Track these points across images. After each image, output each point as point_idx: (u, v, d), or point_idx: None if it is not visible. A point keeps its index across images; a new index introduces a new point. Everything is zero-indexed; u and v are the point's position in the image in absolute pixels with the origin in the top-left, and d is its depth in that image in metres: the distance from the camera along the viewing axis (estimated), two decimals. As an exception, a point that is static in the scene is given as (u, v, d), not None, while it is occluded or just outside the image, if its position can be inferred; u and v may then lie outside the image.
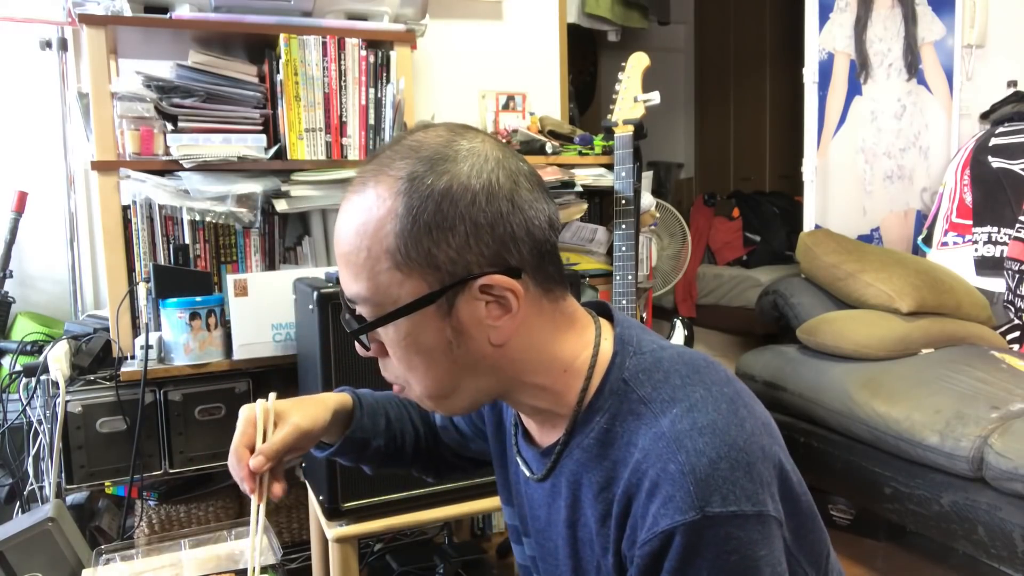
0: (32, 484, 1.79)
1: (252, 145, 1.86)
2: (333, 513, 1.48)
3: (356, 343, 0.75)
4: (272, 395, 0.88)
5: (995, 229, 2.79)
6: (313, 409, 0.88)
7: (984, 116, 3.11)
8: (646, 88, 2.10)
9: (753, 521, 0.62)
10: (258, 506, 0.82)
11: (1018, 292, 2.63)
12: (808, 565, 0.71)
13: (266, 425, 0.84)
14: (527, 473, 0.82)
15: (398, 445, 0.99)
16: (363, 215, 0.68)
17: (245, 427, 0.82)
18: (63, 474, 1.67)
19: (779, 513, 0.65)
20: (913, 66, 3.04)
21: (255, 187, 1.88)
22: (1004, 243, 2.74)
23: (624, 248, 2.07)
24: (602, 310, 0.80)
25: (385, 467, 1.01)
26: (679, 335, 2.17)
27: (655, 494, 0.63)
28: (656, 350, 0.74)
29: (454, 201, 0.66)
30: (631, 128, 2.08)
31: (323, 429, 0.88)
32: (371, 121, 1.97)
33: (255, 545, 0.83)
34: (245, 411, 0.84)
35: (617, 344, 0.74)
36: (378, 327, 0.70)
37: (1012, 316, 2.64)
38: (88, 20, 1.73)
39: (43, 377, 1.71)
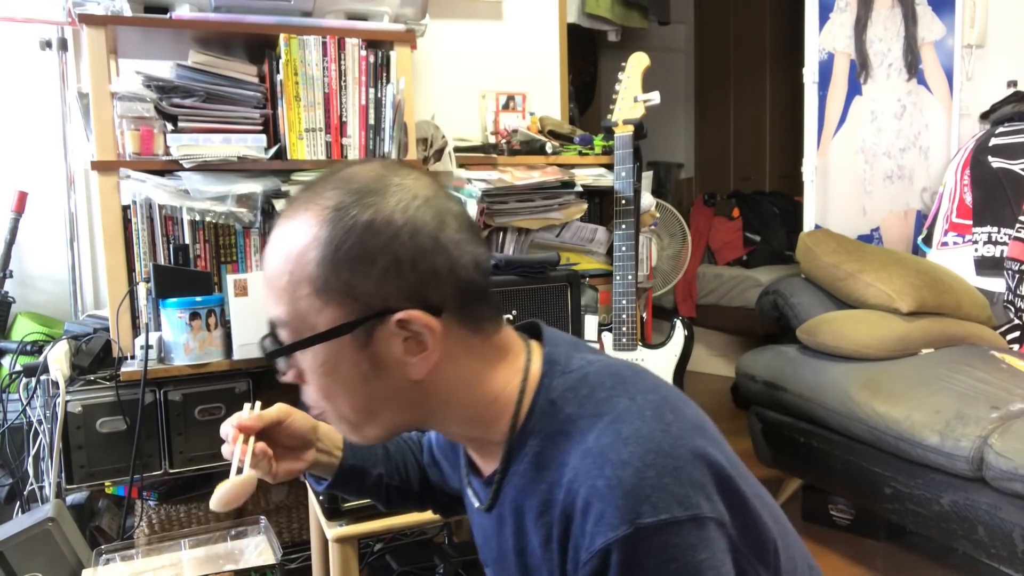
0: (32, 484, 1.79)
1: (252, 145, 1.86)
2: (333, 513, 1.48)
3: (280, 364, 0.75)
4: (258, 404, 0.91)
5: (995, 229, 2.79)
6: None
7: (984, 116, 3.11)
8: (646, 88, 2.10)
9: (688, 526, 0.61)
10: (240, 461, 0.84)
11: (1018, 292, 2.63)
12: (757, 562, 0.70)
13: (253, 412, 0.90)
14: (476, 503, 0.82)
15: (403, 477, 1.00)
16: (289, 241, 0.69)
17: (234, 416, 0.88)
18: (63, 474, 1.66)
19: (717, 512, 0.64)
20: (913, 66, 3.04)
21: (255, 187, 1.88)
22: (1004, 243, 2.74)
23: (624, 248, 2.07)
24: (534, 331, 0.80)
25: (395, 501, 1.01)
26: (679, 335, 2.17)
27: (588, 512, 0.63)
28: (584, 365, 0.73)
29: (376, 233, 0.66)
30: (631, 128, 2.08)
31: (309, 425, 0.91)
32: (371, 121, 1.97)
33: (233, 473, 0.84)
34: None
35: (545, 365, 0.74)
36: (293, 351, 0.70)
37: (1012, 316, 2.64)
38: (88, 20, 1.72)
39: (43, 377, 1.71)
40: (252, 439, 0.85)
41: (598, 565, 0.62)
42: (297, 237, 0.68)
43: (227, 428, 0.87)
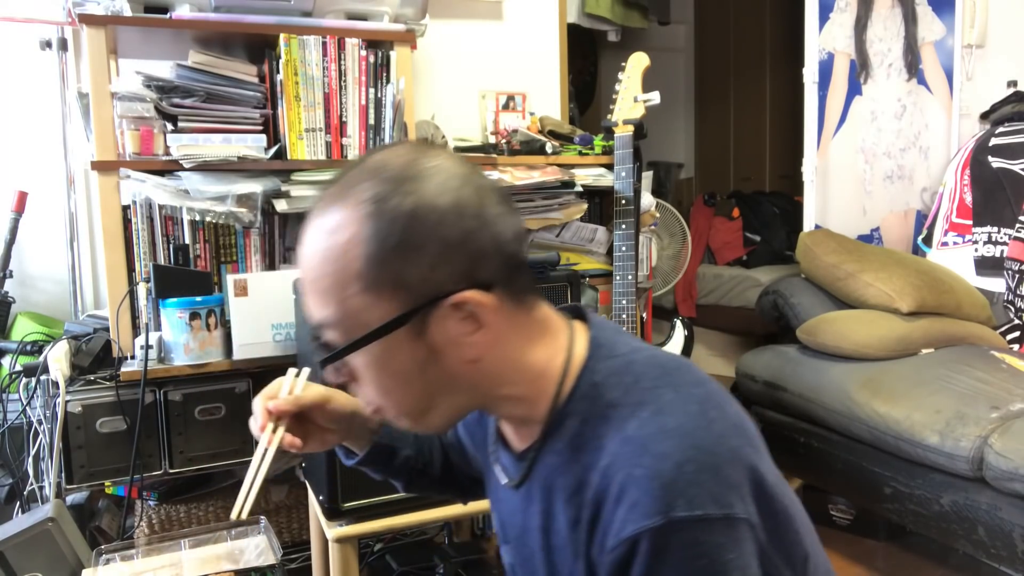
0: (32, 484, 1.79)
1: (252, 145, 1.86)
2: (333, 513, 1.48)
3: (329, 369, 0.73)
4: (306, 370, 0.88)
5: (995, 229, 2.79)
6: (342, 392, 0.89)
7: (984, 116, 3.11)
8: (646, 88, 2.10)
9: (720, 524, 0.61)
10: (264, 450, 0.82)
11: (1018, 292, 2.63)
12: (785, 567, 0.70)
13: (293, 387, 0.86)
14: (503, 479, 0.82)
15: (426, 459, 0.99)
16: (328, 239, 0.66)
17: (272, 385, 0.86)
18: (63, 474, 1.66)
19: (749, 515, 0.63)
20: (913, 66, 3.04)
21: (255, 187, 1.88)
22: (1004, 243, 2.74)
23: (624, 248, 2.07)
24: (577, 313, 0.79)
25: (415, 484, 1.00)
26: (679, 335, 2.17)
27: (622, 499, 0.63)
28: (629, 352, 0.73)
29: (421, 220, 0.65)
30: (631, 128, 2.08)
31: (350, 409, 0.90)
32: (371, 121, 1.97)
33: (250, 485, 0.82)
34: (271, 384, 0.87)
35: (591, 347, 0.73)
36: (350, 353, 0.68)
37: (1012, 316, 2.64)
38: (88, 20, 1.72)
39: (43, 377, 1.71)
40: (282, 428, 0.82)
41: (625, 552, 0.62)
42: (337, 234, 0.66)
43: (260, 404, 0.84)
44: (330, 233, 0.66)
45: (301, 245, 0.70)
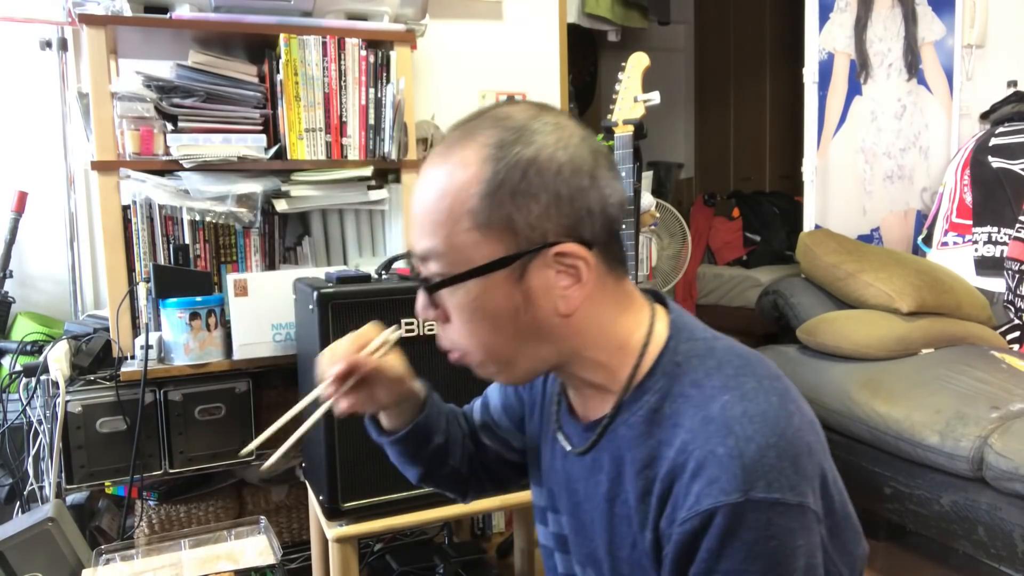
0: (32, 484, 1.79)
1: (252, 145, 1.86)
2: (333, 513, 1.48)
3: (423, 302, 0.75)
4: (400, 331, 0.86)
5: (995, 229, 2.79)
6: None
7: (984, 116, 3.11)
8: (646, 88, 2.10)
9: (795, 511, 0.63)
10: (326, 403, 0.81)
11: (1018, 292, 2.63)
12: (843, 565, 0.72)
13: (384, 346, 0.84)
14: (567, 447, 0.82)
15: (450, 450, 0.98)
16: (448, 176, 0.70)
17: (359, 336, 0.84)
18: (63, 474, 1.66)
19: (819, 508, 0.66)
20: (913, 66, 3.04)
21: (255, 187, 1.88)
22: (1004, 243, 2.74)
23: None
24: (658, 297, 0.82)
25: (432, 475, 0.98)
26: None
27: (699, 474, 0.65)
28: (709, 339, 0.75)
29: (540, 170, 0.68)
30: (631, 128, 2.08)
31: (411, 388, 0.89)
32: (371, 121, 1.97)
33: (292, 436, 0.79)
34: (366, 328, 0.86)
35: (672, 328, 0.76)
36: (453, 285, 0.70)
37: (1012, 316, 2.64)
38: (88, 20, 1.72)
39: (43, 377, 1.71)
40: (350, 382, 0.81)
41: (698, 525, 0.64)
42: (457, 172, 0.69)
43: (347, 346, 0.82)
44: (451, 169, 0.70)
45: (419, 181, 0.73)
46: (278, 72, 1.89)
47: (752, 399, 0.67)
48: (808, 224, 2.91)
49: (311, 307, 1.46)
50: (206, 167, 1.81)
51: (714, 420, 0.66)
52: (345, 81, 1.93)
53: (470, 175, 0.69)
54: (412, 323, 1.48)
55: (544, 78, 2.65)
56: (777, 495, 0.63)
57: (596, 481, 0.78)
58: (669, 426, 0.70)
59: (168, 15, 1.80)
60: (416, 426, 0.92)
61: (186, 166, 1.79)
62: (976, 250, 2.81)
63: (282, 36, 1.85)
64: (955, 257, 2.84)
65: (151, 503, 1.91)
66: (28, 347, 1.84)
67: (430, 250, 0.71)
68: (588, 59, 4.82)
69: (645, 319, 0.76)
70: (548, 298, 0.70)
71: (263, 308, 1.75)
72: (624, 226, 0.75)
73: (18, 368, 1.77)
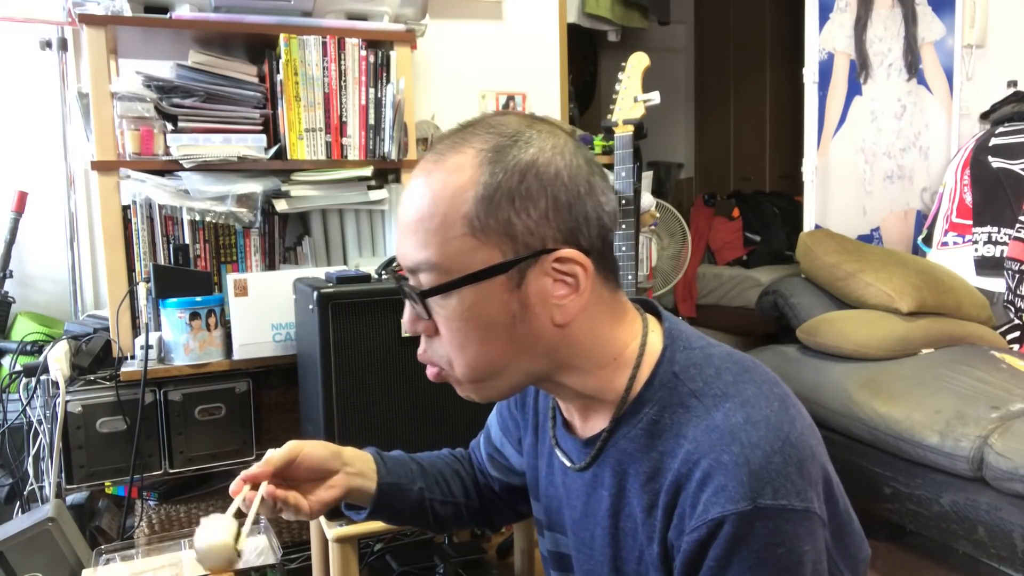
0: (32, 484, 1.79)
1: (252, 145, 1.86)
2: (333, 513, 1.47)
3: (411, 314, 0.73)
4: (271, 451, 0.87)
5: (995, 229, 2.79)
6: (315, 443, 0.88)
7: (984, 116, 3.11)
8: (646, 88, 2.10)
9: (801, 516, 0.63)
10: (250, 505, 0.83)
11: (1018, 292, 2.63)
12: (846, 569, 0.72)
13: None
14: (566, 463, 0.81)
15: (444, 489, 0.98)
16: (440, 182, 0.68)
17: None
18: (63, 474, 1.66)
19: (823, 513, 0.66)
20: (913, 66, 3.04)
21: (255, 187, 1.88)
22: (1004, 243, 2.74)
23: (624, 248, 2.07)
24: (650, 308, 0.81)
25: (446, 519, 0.98)
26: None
27: (706, 484, 0.64)
28: (705, 347, 0.75)
29: (539, 174, 0.67)
30: (631, 128, 2.08)
31: (329, 452, 0.88)
32: (371, 121, 1.97)
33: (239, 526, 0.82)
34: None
35: (667, 338, 0.75)
36: (448, 292, 0.68)
37: (1012, 316, 2.64)
38: (88, 20, 1.72)
39: (43, 377, 1.71)
40: (262, 486, 0.82)
41: (706, 534, 0.63)
42: (451, 177, 0.67)
43: (236, 484, 0.84)
44: (444, 175, 0.68)
45: (407, 189, 0.71)
46: (278, 72, 1.89)
47: (753, 405, 0.67)
48: (808, 224, 2.91)
49: (311, 307, 1.46)
50: (206, 167, 1.81)
51: (717, 428, 0.66)
52: (345, 81, 1.93)
53: (466, 179, 0.67)
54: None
55: (544, 78, 2.65)
56: (784, 501, 0.62)
57: (598, 496, 0.77)
58: (671, 437, 0.69)
59: (168, 15, 1.80)
60: (380, 488, 0.91)
61: (186, 166, 1.79)
62: (976, 250, 2.81)
63: (282, 36, 1.85)
64: (955, 257, 2.84)
65: (151, 503, 1.92)
66: (28, 347, 1.84)
67: (423, 261, 0.68)
68: (588, 59, 4.82)
69: (638, 330, 0.75)
70: (545, 307, 0.69)
71: (263, 308, 1.75)
72: (617, 233, 0.74)
73: (18, 368, 1.77)
